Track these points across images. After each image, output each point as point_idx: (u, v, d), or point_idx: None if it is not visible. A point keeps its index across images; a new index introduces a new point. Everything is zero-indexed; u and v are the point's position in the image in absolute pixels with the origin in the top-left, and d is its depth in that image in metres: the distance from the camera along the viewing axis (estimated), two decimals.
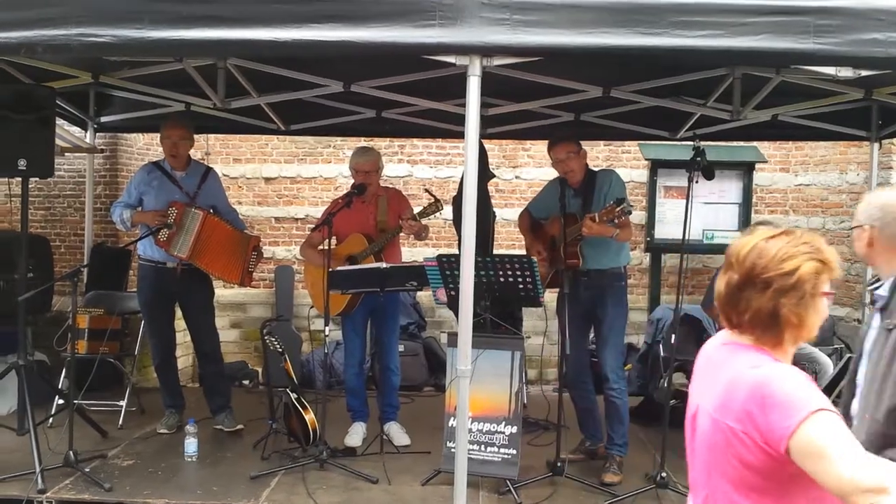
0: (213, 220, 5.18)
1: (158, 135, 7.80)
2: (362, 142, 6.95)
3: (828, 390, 4.83)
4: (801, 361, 5.10)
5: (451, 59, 3.35)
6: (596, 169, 4.94)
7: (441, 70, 4.05)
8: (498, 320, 4.66)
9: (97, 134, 6.57)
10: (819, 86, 4.71)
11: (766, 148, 8.19)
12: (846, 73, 3.60)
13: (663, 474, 4.38)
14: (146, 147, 7.98)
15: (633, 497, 4.32)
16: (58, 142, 5.54)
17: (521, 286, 4.47)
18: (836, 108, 5.36)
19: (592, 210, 4.57)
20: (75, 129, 6.61)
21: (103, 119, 6.42)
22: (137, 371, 6.30)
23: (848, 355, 5.20)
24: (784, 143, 8.37)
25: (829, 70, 3.61)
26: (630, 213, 4.45)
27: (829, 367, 5.20)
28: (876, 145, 6.20)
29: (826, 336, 7.15)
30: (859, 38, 3.20)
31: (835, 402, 4.75)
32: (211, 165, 5.93)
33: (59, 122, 5.75)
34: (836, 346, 6.85)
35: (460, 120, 3.57)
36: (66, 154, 6.61)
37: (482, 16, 3.20)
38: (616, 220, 4.42)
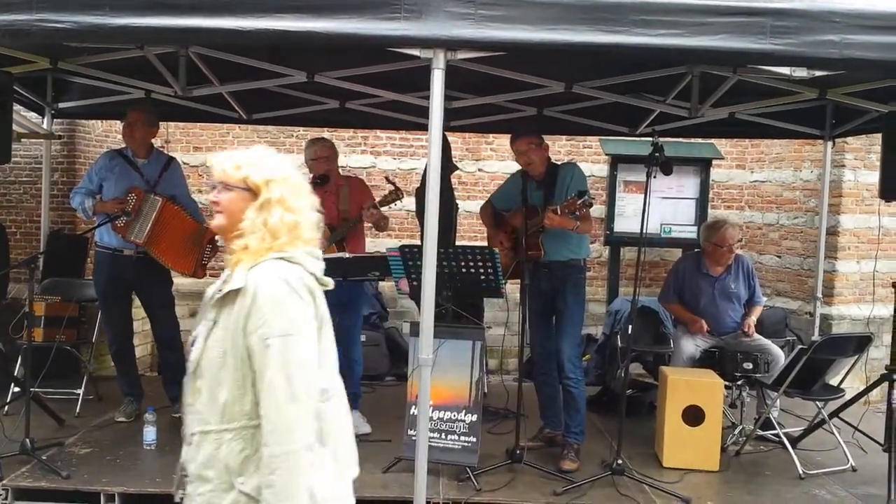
0: (172, 208, 5.14)
1: (117, 122, 7.77)
2: (325, 132, 6.95)
3: (779, 380, 4.97)
4: (753, 352, 5.23)
5: (415, 52, 3.37)
6: (558, 162, 5.01)
7: (405, 62, 4.07)
8: (459, 310, 4.71)
9: (55, 120, 6.47)
10: (775, 85, 4.81)
11: (722, 145, 8.36)
12: (801, 73, 3.68)
13: (619, 461, 4.47)
14: (104, 134, 7.88)
15: (590, 483, 4.41)
16: (14, 127, 5.45)
17: (482, 277, 4.52)
18: (792, 107, 5.49)
19: (554, 202, 4.63)
20: (32, 115, 6.51)
21: (61, 105, 6.32)
22: (95, 359, 6.23)
23: (800, 347, 5.35)
24: (740, 140, 8.55)
25: (785, 70, 3.69)
26: (591, 205, 4.53)
27: (781, 357, 5.34)
28: (829, 143, 6.37)
29: (778, 328, 7.34)
30: (814, 39, 3.29)
31: (787, 392, 4.86)
32: (171, 153, 5.87)
33: (16, 107, 5.65)
34: (788, 339, 7.04)
35: (424, 112, 3.61)
36: (23, 140, 6.51)
37: (447, 10, 3.23)
38: (577, 213, 4.50)
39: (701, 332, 5.49)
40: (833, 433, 5.05)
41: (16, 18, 3.25)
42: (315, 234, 2.24)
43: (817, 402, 5.12)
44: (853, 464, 4.87)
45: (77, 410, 5.46)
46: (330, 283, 2.24)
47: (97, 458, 4.65)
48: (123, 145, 5.34)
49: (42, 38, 3.37)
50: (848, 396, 5.19)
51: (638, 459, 4.86)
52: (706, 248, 5.62)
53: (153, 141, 5.37)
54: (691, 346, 5.51)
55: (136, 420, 5.24)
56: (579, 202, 4.44)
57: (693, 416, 4.80)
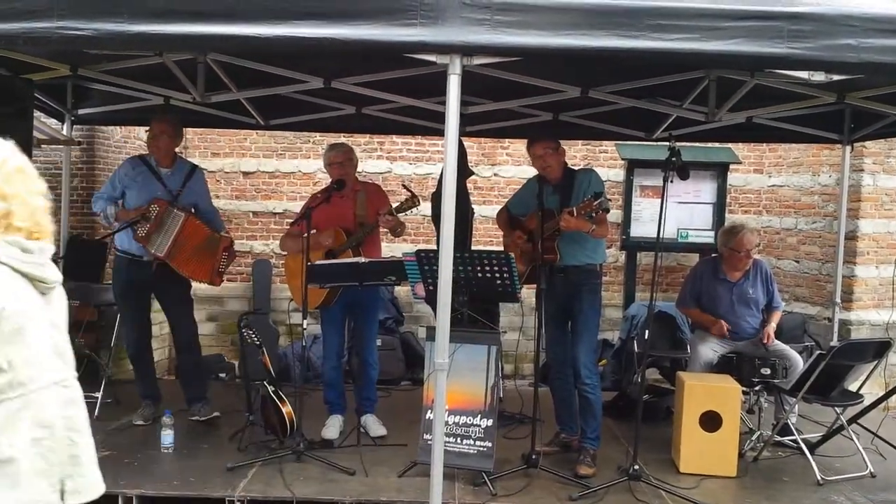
0: (194, 223, 5.16)
1: (136, 128, 7.84)
2: (342, 137, 6.98)
3: (797, 386, 4.94)
4: (771, 357, 5.20)
5: (431, 57, 3.38)
6: (575, 168, 5.01)
7: (421, 68, 4.07)
8: (475, 315, 4.71)
9: (74, 126, 6.54)
10: (792, 89, 4.79)
11: (740, 149, 8.32)
12: (819, 77, 3.65)
13: (636, 466, 4.46)
14: (124, 140, 7.94)
15: (607, 489, 4.40)
16: (35, 134, 5.51)
17: (498, 282, 4.52)
18: (810, 110, 5.46)
19: (571, 206, 4.63)
20: (52, 121, 6.57)
21: (81, 111, 6.38)
22: (113, 363, 6.29)
23: (818, 352, 5.31)
24: (758, 144, 8.51)
25: (802, 74, 3.67)
26: (608, 209, 4.52)
27: (800, 363, 5.30)
28: (848, 148, 6.33)
29: (797, 333, 7.30)
30: (832, 43, 3.28)
31: (806, 398, 4.82)
32: (189, 159, 5.89)
33: (37, 114, 5.71)
34: (806, 344, 6.99)
35: (440, 117, 3.61)
36: (43, 146, 6.57)
37: (463, 15, 3.24)
38: (594, 215, 4.49)
39: (722, 333, 5.46)
40: (852, 439, 5.01)
41: (37, 26, 3.29)
42: (36, 221, 2.12)
43: (836, 408, 5.09)
44: (872, 470, 4.82)
45: (95, 413, 5.49)
46: (50, 281, 2.12)
47: (115, 461, 4.67)
48: (142, 151, 5.38)
49: (63, 45, 3.42)
50: (867, 402, 5.15)
51: (654, 465, 4.84)
52: (724, 253, 5.60)
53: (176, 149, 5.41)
54: (709, 351, 5.48)
55: (154, 423, 5.28)
56: (595, 203, 4.43)
57: (710, 421, 4.78)
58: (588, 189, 4.68)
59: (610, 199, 4.62)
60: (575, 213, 4.51)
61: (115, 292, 5.46)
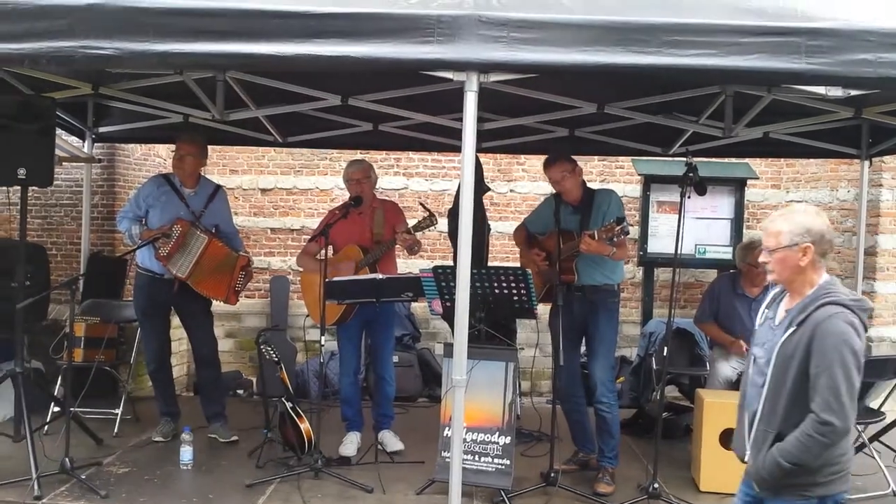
0: (216, 246, 5.19)
1: (156, 145, 7.91)
2: (358, 154, 7.02)
3: None
4: None
5: (448, 74, 3.40)
6: (595, 187, 5.00)
7: (438, 85, 4.11)
8: (492, 331, 4.70)
9: (95, 144, 6.61)
10: (810, 104, 4.78)
11: (757, 164, 8.28)
12: (836, 92, 3.64)
13: (655, 485, 4.42)
14: (143, 157, 8.02)
15: None
16: (56, 151, 5.56)
17: (515, 298, 4.52)
18: (827, 125, 5.44)
19: (590, 228, 4.61)
20: (73, 139, 6.65)
21: (102, 129, 6.46)
22: (133, 379, 6.32)
23: None
24: (775, 159, 8.47)
25: (819, 89, 3.66)
26: (628, 233, 4.49)
27: None
28: (866, 163, 6.28)
29: None
30: (849, 58, 3.27)
31: None
32: (207, 175, 5.91)
33: (58, 131, 5.77)
34: None
35: (456, 134, 3.63)
36: (64, 164, 6.64)
37: (480, 33, 3.26)
38: (615, 239, 4.46)
39: (740, 353, 5.42)
40: (873, 457, 4.95)
41: (61, 45, 3.34)
42: None
43: (857, 426, 5.02)
44: (894, 488, 4.76)
45: (115, 430, 5.53)
46: None
47: (135, 477, 4.70)
48: (162, 168, 5.42)
49: (86, 64, 3.47)
50: (888, 420, 5.09)
51: (674, 483, 4.80)
52: (742, 268, 5.57)
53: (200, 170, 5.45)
54: (728, 368, 5.44)
55: (173, 440, 5.29)
56: (617, 228, 4.39)
57: (730, 439, 4.72)
58: (608, 212, 4.66)
59: (631, 225, 4.58)
60: (596, 237, 4.48)
61: (136, 309, 5.50)
